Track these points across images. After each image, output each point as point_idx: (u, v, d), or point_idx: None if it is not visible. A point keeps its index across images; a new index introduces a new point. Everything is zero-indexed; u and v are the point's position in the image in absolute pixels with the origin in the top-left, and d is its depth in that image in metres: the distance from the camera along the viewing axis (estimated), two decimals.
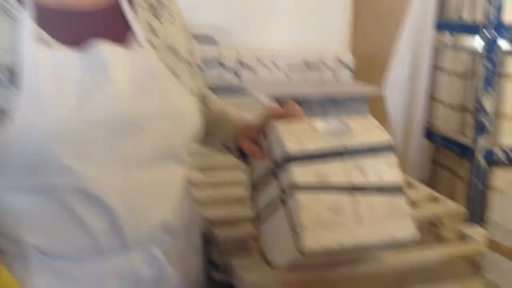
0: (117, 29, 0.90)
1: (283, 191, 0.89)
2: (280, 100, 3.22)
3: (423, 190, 1.34)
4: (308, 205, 0.85)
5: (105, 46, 0.85)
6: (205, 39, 3.51)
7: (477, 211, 2.31)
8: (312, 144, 0.89)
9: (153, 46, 0.91)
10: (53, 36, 0.83)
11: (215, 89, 3.29)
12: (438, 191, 2.64)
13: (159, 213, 0.91)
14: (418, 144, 2.85)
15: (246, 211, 1.10)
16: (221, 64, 3.48)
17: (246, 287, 0.89)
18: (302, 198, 0.85)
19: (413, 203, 1.30)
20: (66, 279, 0.86)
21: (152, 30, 0.93)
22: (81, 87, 0.82)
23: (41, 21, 0.83)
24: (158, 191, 0.90)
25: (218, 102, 1.14)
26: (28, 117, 0.78)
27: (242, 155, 1.03)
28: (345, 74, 3.75)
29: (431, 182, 2.84)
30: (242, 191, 1.28)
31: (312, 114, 3.25)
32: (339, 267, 0.94)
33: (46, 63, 0.80)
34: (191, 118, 0.94)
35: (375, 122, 0.97)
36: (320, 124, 0.94)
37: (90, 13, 0.88)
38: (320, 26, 3.88)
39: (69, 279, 0.87)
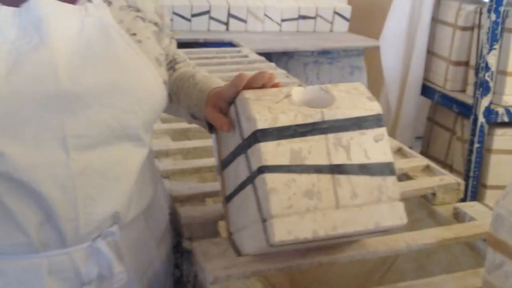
0: None
1: (251, 171, 0.76)
2: (271, 55, 3.07)
3: (417, 160, 1.22)
4: (279, 189, 0.73)
5: (41, 2, 0.70)
6: None
7: (475, 175, 2.20)
8: (286, 117, 0.76)
9: (108, 2, 0.77)
10: None
11: (203, 43, 3.12)
12: (433, 152, 2.54)
13: (108, 203, 0.78)
14: (414, 100, 2.71)
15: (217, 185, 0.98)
16: (210, 16, 3.30)
17: (206, 280, 0.78)
18: (272, 180, 0.73)
19: (405, 174, 1.19)
20: None
21: None
22: (14, 50, 0.68)
23: None
24: (106, 177, 0.77)
25: (189, 66, 1.00)
26: None
27: (211, 126, 0.90)
28: (342, 26, 3.58)
29: (426, 142, 2.73)
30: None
31: (305, 69, 3.10)
32: (316, 254, 0.83)
33: None
34: (152, 93, 0.80)
35: (363, 89, 0.84)
36: (297, 93, 0.80)
37: None
38: None
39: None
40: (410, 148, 2.76)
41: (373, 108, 0.80)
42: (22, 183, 0.70)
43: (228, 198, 0.88)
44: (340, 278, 1.11)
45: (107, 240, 0.80)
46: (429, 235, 0.91)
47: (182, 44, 3.04)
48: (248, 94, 0.78)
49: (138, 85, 0.77)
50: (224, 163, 0.89)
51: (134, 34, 0.79)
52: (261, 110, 0.76)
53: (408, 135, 2.76)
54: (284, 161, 0.74)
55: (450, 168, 2.48)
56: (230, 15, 3.37)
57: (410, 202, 1.19)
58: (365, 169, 0.77)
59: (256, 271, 0.79)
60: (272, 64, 2.03)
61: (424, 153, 2.69)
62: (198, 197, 1.01)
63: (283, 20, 3.47)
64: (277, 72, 1.92)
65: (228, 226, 0.90)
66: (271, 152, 0.74)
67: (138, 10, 0.81)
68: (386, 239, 0.88)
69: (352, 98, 0.81)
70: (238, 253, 0.85)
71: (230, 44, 3.03)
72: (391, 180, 0.78)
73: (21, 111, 0.68)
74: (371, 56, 3.19)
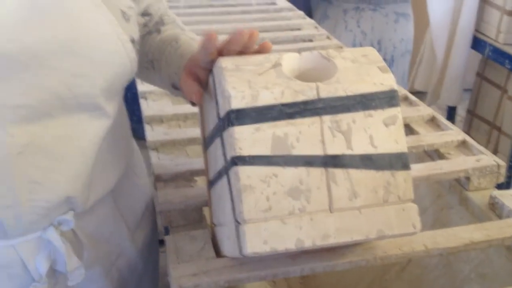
0: None
1: (226, 160, 0.61)
2: (310, 1, 2.84)
3: (452, 134, 1.03)
4: (256, 186, 0.58)
5: None
6: None
7: None
8: (270, 94, 0.59)
9: None
10: None
11: None
12: (481, 111, 2.30)
13: (57, 187, 0.65)
14: (462, 53, 2.45)
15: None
16: None
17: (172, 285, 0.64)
18: (247, 175, 0.58)
19: (436, 151, 1.01)
20: None
21: None
22: None
23: None
24: (54, 156, 0.63)
25: (176, 28, 0.84)
26: None
27: None
28: None
29: (474, 99, 2.48)
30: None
31: (345, 16, 2.85)
32: (308, 259, 0.68)
33: None
34: (113, 52, 0.65)
35: (375, 56, 0.66)
36: (289, 61, 0.64)
37: None
38: None
39: None
40: (455, 108, 2.54)
41: (385, 81, 0.63)
42: None
43: (210, 184, 0.74)
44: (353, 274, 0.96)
45: (60, 229, 0.68)
46: (454, 237, 0.74)
47: None
48: (226, 62, 0.62)
49: (93, 43, 0.63)
50: (206, 142, 0.74)
51: None
52: (239, 84, 0.60)
53: (456, 90, 2.52)
54: (264, 150, 0.58)
55: (499, 130, 2.25)
56: None
57: (440, 183, 1.02)
58: (369, 162, 0.61)
59: (231, 280, 0.65)
60: (301, 13, 1.83)
61: (471, 111, 2.46)
62: (185, 176, 0.87)
63: None
64: (304, 22, 1.72)
65: (211, 216, 0.76)
66: (248, 138, 0.58)
67: None
68: (399, 241, 0.72)
69: (359, 69, 0.63)
70: (218, 251, 0.71)
71: None
72: (403, 176, 0.61)
73: None
74: (418, 2, 2.91)
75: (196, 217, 0.80)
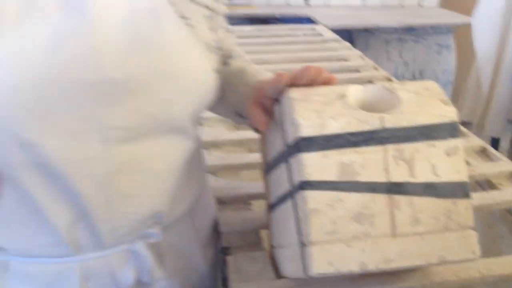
0: None
1: (293, 184, 0.65)
2: (351, 31, 2.89)
3: (503, 164, 1.05)
4: (322, 210, 0.61)
5: None
6: None
7: None
8: (337, 123, 0.63)
9: None
10: None
11: (279, 19, 2.99)
12: None
13: (148, 201, 0.70)
14: (508, 85, 2.45)
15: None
16: None
17: None
18: (315, 199, 0.61)
19: (487, 182, 1.03)
20: (23, 279, 0.69)
21: None
22: (53, 34, 0.59)
23: None
24: (149, 174, 0.68)
25: (242, 61, 0.89)
26: None
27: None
28: (431, 1, 3.31)
29: None
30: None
31: (387, 47, 2.89)
32: (369, 282, 0.71)
33: (12, 2, 0.57)
34: (201, 82, 0.70)
35: (436, 90, 0.69)
36: (353, 93, 0.67)
37: None
38: None
39: (27, 279, 0.69)
40: (498, 140, 2.52)
41: (448, 114, 0.65)
42: (55, 177, 0.62)
43: (271, 207, 0.78)
44: None
45: (147, 242, 0.72)
46: (509, 265, 0.76)
47: (257, 20, 2.94)
48: (294, 93, 0.66)
49: (186, 73, 0.68)
50: (268, 167, 0.78)
51: (185, 18, 0.69)
52: (307, 113, 0.63)
53: (500, 121, 2.51)
54: (331, 176, 0.62)
55: None
56: None
57: (491, 213, 1.03)
58: (432, 190, 0.63)
59: None
60: (347, 43, 1.87)
61: None
62: (243, 199, 0.91)
63: None
64: (351, 53, 1.76)
65: (270, 238, 0.79)
66: (316, 165, 0.62)
67: None
68: (455, 268, 0.74)
69: (421, 101, 0.67)
70: (278, 272, 0.74)
71: (308, 20, 2.88)
72: (464, 204, 0.64)
73: (58, 101, 0.59)
74: (461, 34, 2.92)
75: (254, 239, 0.84)
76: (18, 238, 0.66)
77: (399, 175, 0.63)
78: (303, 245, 0.62)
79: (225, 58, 0.86)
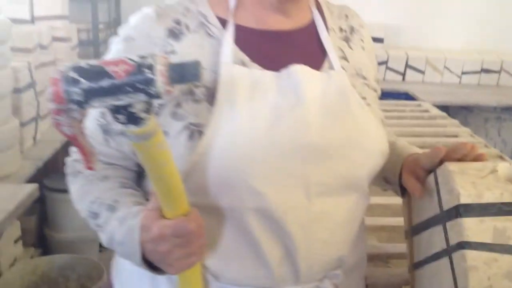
0: (311, 51, 0.84)
1: (449, 245, 0.76)
2: (448, 108, 2.98)
3: None
4: (479, 267, 0.71)
5: (300, 68, 0.79)
6: (373, 39, 3.35)
7: None
8: (491, 194, 0.74)
9: (344, 70, 0.84)
10: (250, 57, 0.80)
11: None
12: None
13: (336, 247, 0.83)
14: None
15: (400, 247, 0.97)
16: (387, 66, 3.30)
17: None
18: (473, 257, 0.72)
19: None
20: None
21: (343, 55, 0.86)
22: (274, 108, 0.77)
23: (240, 41, 0.80)
24: (337, 223, 0.82)
25: (392, 136, 1.03)
26: (221, 135, 0.74)
27: (403, 191, 0.91)
28: None
29: None
30: (398, 220, 1.16)
31: (486, 124, 2.95)
32: None
33: (243, 84, 0.77)
34: (380, 149, 0.84)
35: None
36: (503, 169, 0.79)
37: (287, 34, 0.83)
38: (499, 26, 3.50)
39: None
40: None
41: None
42: (272, 219, 0.77)
43: (416, 265, 0.88)
44: None
45: (332, 282, 0.84)
46: None
47: None
48: (452, 166, 0.78)
49: (369, 141, 0.82)
50: (415, 229, 0.89)
51: (364, 98, 0.85)
52: (465, 184, 0.75)
53: None
54: (487, 239, 0.73)
55: None
56: (407, 65, 3.35)
57: None
58: None
59: None
60: (455, 121, 1.98)
61: None
62: (381, 257, 1.02)
63: (463, 73, 3.36)
64: (460, 130, 1.86)
65: None
66: (473, 228, 0.73)
67: (364, 78, 0.88)
68: None
69: None
70: None
71: (406, 95, 3.00)
72: None
73: (278, 159, 0.76)
74: None
75: None
76: (236, 268, 0.80)
77: None
78: None
79: None
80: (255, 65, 0.79)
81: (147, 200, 0.80)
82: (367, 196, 0.87)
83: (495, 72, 3.35)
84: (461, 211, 0.74)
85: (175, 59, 0.75)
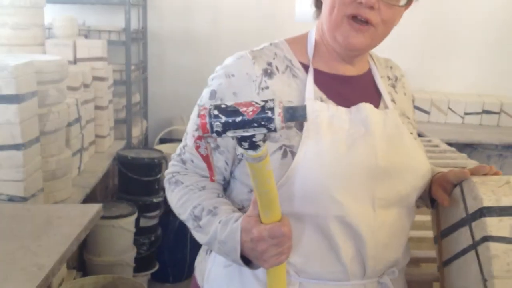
0: (371, 93, 1.06)
1: (475, 240, 0.96)
2: (452, 145, 3.20)
3: None
4: (500, 255, 0.91)
5: (365, 105, 1.01)
6: None
7: None
8: (507, 199, 0.95)
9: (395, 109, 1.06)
10: (327, 95, 1.01)
11: None
12: None
13: (394, 250, 1.02)
14: None
15: (428, 252, 1.16)
16: None
17: None
18: (495, 248, 0.92)
19: None
20: None
21: (391, 98, 1.08)
22: (349, 136, 0.98)
23: (318, 82, 1.01)
24: (394, 231, 1.01)
25: None
26: (309, 155, 0.94)
27: (432, 202, 1.11)
28: None
29: None
30: (423, 233, 1.36)
31: (489, 161, 3.16)
32: None
33: (324, 116, 0.97)
34: (425, 173, 1.05)
35: None
36: None
37: (352, 78, 1.05)
38: (498, 70, 3.77)
39: None
40: None
41: None
42: (349, 225, 0.96)
43: (446, 263, 1.08)
44: None
45: (390, 278, 1.03)
46: None
47: None
48: (475, 178, 0.99)
49: (419, 166, 1.04)
50: (443, 233, 1.09)
51: (411, 133, 1.07)
52: (486, 191, 0.96)
53: None
54: (505, 233, 0.93)
55: None
56: (414, 106, 3.59)
57: None
58: None
59: None
60: (464, 154, 2.19)
61: None
62: (413, 261, 1.22)
63: (466, 114, 3.60)
64: (468, 163, 2.07)
65: (442, 287, 1.09)
66: (494, 225, 0.93)
67: (408, 118, 1.10)
68: None
69: None
70: None
71: None
72: None
73: (352, 176, 0.96)
74: None
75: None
76: (316, 265, 0.99)
77: None
78: (486, 280, 0.92)
79: None
80: (331, 102, 1.01)
81: (239, 208, 1.00)
82: (414, 210, 1.07)
83: (495, 113, 3.59)
84: (484, 212, 0.94)
85: (268, 93, 0.98)
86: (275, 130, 0.78)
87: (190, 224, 1.01)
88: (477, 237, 0.95)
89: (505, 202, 0.95)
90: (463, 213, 1.01)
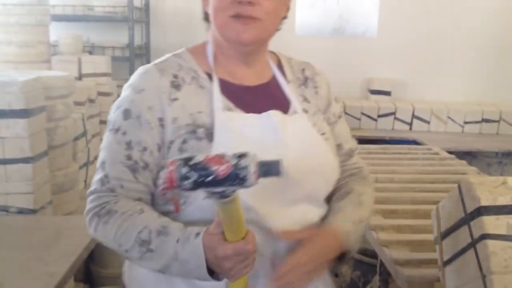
0: (278, 99, 1.08)
1: (474, 238, 1.00)
2: (453, 153, 3.24)
3: None
4: (498, 252, 0.95)
5: (275, 112, 1.04)
6: (381, 92, 3.66)
7: None
8: (503, 199, 0.99)
9: (305, 111, 1.09)
10: (234, 103, 1.03)
11: (388, 141, 3.40)
12: None
13: None
14: None
15: (429, 254, 1.20)
16: (395, 117, 3.60)
17: None
18: (493, 245, 0.95)
19: None
20: None
21: (304, 98, 1.11)
22: (259, 144, 0.99)
23: (224, 92, 1.03)
24: (304, 226, 1.04)
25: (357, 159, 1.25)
26: None
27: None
28: None
29: None
30: (423, 236, 1.40)
31: (489, 169, 3.20)
32: None
33: (232, 124, 1.01)
34: (333, 175, 1.10)
35: None
36: (511, 181, 1.03)
37: (256, 88, 1.08)
38: (496, 79, 3.82)
39: None
40: None
41: None
42: (263, 227, 0.99)
43: (446, 263, 1.11)
44: None
45: None
46: None
47: (368, 141, 3.37)
48: (473, 179, 1.03)
49: (328, 168, 1.08)
50: (444, 234, 1.13)
51: (323, 133, 1.10)
52: (483, 192, 1.00)
53: None
54: (502, 231, 0.96)
55: None
56: (414, 116, 3.64)
57: None
58: None
59: None
60: (463, 161, 2.23)
61: None
62: (414, 263, 1.25)
63: (465, 122, 3.64)
64: (468, 169, 2.11)
65: (443, 286, 1.12)
66: (492, 224, 0.97)
67: (324, 113, 1.13)
68: None
69: None
70: None
71: (415, 142, 3.26)
72: None
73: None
74: None
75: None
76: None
77: None
78: (484, 276, 0.95)
79: (349, 152, 1.21)
80: (239, 110, 1.03)
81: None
82: (323, 206, 1.09)
83: (494, 121, 3.63)
84: (482, 211, 0.98)
85: (178, 104, 1.00)
86: (248, 187, 0.79)
87: (135, 253, 0.96)
88: (476, 235, 0.99)
89: (502, 201, 0.99)
90: (462, 213, 1.04)
